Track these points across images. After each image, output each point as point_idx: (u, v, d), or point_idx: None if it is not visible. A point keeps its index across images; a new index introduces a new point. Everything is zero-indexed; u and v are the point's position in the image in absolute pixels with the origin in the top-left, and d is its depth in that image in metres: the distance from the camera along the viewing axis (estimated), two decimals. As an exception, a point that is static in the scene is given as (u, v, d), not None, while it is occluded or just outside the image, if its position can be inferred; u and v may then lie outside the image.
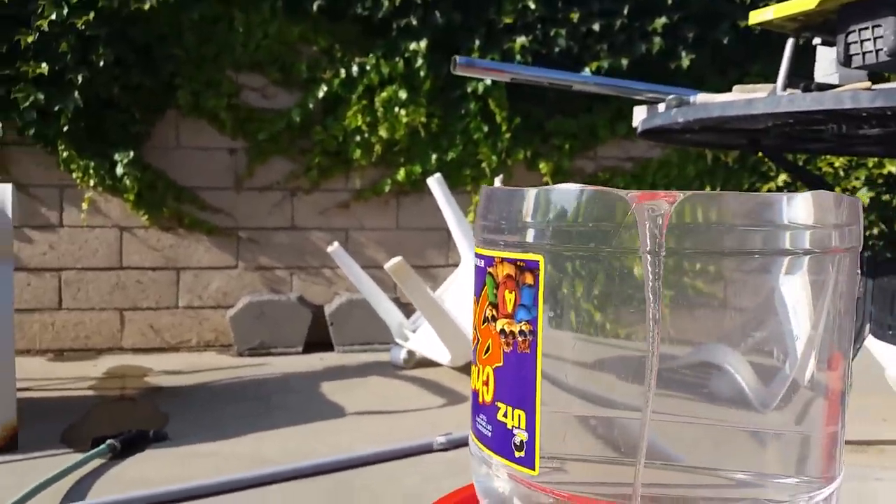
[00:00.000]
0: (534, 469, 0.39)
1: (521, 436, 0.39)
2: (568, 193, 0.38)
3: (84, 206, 2.78)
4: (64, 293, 2.84)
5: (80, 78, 2.57)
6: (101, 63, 2.56)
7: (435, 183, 2.56)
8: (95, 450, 1.65)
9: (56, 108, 2.60)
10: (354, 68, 2.84)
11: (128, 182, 2.74)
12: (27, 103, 2.57)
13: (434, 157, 2.95)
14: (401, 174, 2.92)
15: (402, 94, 2.83)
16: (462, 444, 1.73)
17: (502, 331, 0.40)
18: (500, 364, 0.40)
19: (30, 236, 2.79)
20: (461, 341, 2.21)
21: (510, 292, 0.39)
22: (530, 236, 0.39)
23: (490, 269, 0.40)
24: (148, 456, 1.71)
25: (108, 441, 1.69)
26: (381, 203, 2.98)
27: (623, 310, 0.38)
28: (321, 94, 2.83)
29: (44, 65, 2.55)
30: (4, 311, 1.72)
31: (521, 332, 0.39)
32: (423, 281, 2.32)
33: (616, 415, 0.39)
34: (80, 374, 2.50)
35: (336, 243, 2.46)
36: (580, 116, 3.04)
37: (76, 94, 2.58)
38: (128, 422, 1.94)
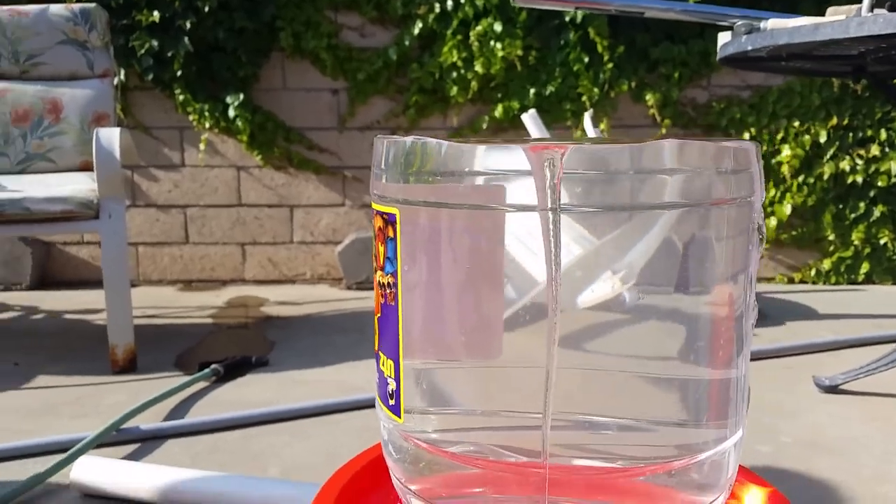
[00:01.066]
0: (400, 417, 0.41)
1: (391, 384, 0.41)
2: (424, 144, 0.38)
3: (201, 146, 2.97)
4: (189, 228, 3.06)
5: (188, 24, 2.71)
6: (207, 8, 2.69)
7: (529, 119, 2.51)
8: (200, 373, 1.80)
9: (169, 54, 2.77)
10: (449, 2, 2.81)
11: (240, 123, 2.89)
12: (143, 50, 2.75)
13: (532, 91, 2.89)
14: (498, 110, 2.89)
15: (498, 27, 2.78)
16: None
17: (378, 282, 0.41)
18: (379, 314, 0.41)
19: (156, 175, 3.02)
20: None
21: (381, 244, 0.40)
22: (389, 189, 0.39)
23: (373, 220, 0.41)
24: (248, 381, 1.84)
25: (213, 366, 1.84)
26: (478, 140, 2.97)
27: (484, 267, 0.38)
28: (416, 31, 2.83)
29: (155, 13, 2.71)
30: (120, 246, 1.88)
31: (388, 284, 0.40)
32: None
33: (484, 369, 0.39)
34: (203, 304, 2.71)
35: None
36: (690, 42, 2.87)
37: (186, 39, 2.73)
38: (237, 348, 2.09)
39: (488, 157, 0.37)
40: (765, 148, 2.91)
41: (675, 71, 2.89)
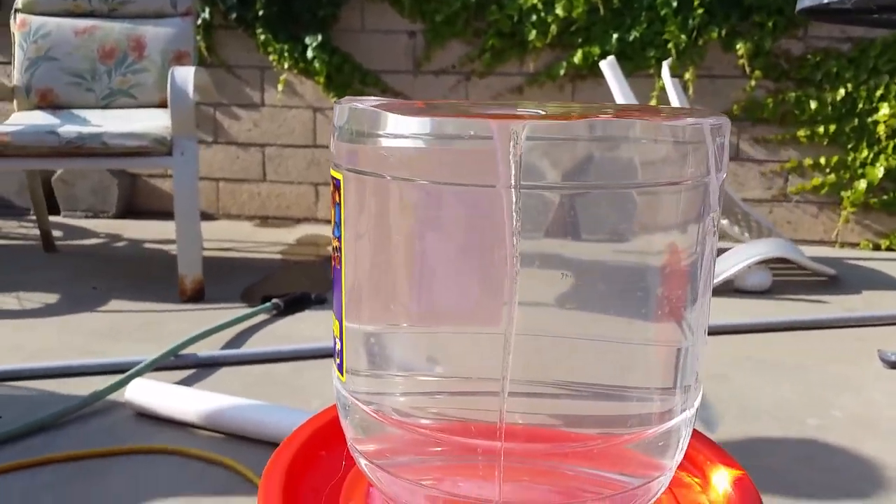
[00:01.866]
0: (343, 376, 0.42)
1: (337, 344, 0.42)
2: (366, 111, 0.37)
3: (280, 87, 3.02)
4: (267, 167, 3.15)
5: (270, -36, 2.74)
6: (288, -52, 2.70)
7: (607, 66, 2.43)
8: (261, 307, 1.88)
9: (252, -6, 2.81)
10: (532, -58, 2.72)
11: (317, 65, 2.92)
12: (227, -10, 2.80)
13: (615, 37, 2.78)
14: (577, 56, 2.80)
15: (582, -31, 2.68)
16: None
17: (332, 245, 0.41)
18: (332, 276, 0.42)
19: (237, 114, 3.10)
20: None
21: (333, 208, 0.40)
22: (336, 154, 0.40)
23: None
24: (305, 316, 1.91)
25: (274, 300, 1.91)
26: (555, 88, 2.90)
27: (423, 236, 0.38)
28: (497, -28, 2.76)
29: (240, -48, 2.74)
30: (191, 182, 1.96)
31: (336, 247, 0.40)
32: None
33: (423, 334, 0.40)
34: (276, 240, 2.80)
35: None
36: (788, -12, 2.69)
37: (268, -21, 2.76)
38: (301, 285, 2.16)
39: (435, 128, 0.36)
40: (861, 105, 2.72)
41: (770, 19, 2.72)
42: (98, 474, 1.08)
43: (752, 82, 2.77)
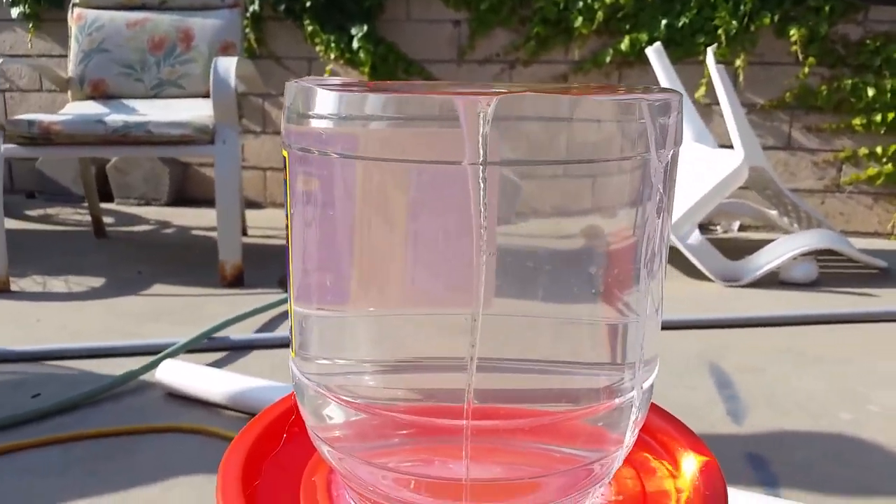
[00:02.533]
0: (293, 353, 0.42)
1: (289, 321, 0.42)
2: (310, 90, 0.38)
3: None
4: (314, 156, 3.19)
5: (316, -45, 2.77)
6: (332, -61, 2.72)
7: (654, 53, 2.38)
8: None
9: (298, -15, 2.84)
10: (577, -72, 2.68)
11: (362, 55, 2.94)
12: (276, -19, 2.85)
13: (664, 23, 2.72)
14: (624, 43, 2.75)
15: (629, -46, 2.62)
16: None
17: (284, 224, 0.42)
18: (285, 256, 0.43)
19: (285, 104, 3.15)
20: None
21: (283, 187, 0.41)
22: (284, 132, 0.40)
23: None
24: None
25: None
26: (601, 76, 2.85)
27: (368, 217, 0.38)
28: (543, -42, 2.73)
29: (286, -56, 2.78)
30: (232, 170, 2.00)
31: (286, 225, 0.41)
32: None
33: (368, 317, 0.40)
34: (320, 228, 2.84)
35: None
36: (847, -30, 2.58)
37: (313, -30, 2.80)
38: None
39: (379, 106, 0.36)
40: (923, 91, 2.60)
41: (826, 3, 2.62)
42: (127, 451, 1.12)
43: (806, 69, 2.68)
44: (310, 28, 2.98)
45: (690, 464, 0.48)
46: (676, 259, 2.21)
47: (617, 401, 0.40)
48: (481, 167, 0.35)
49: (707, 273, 2.05)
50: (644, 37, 2.74)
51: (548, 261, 0.37)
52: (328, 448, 0.43)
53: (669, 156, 0.38)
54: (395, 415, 0.40)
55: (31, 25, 3.17)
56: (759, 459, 1.12)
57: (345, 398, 0.41)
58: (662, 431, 0.50)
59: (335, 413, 0.42)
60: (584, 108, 0.35)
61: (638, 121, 0.36)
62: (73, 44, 2.40)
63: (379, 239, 0.39)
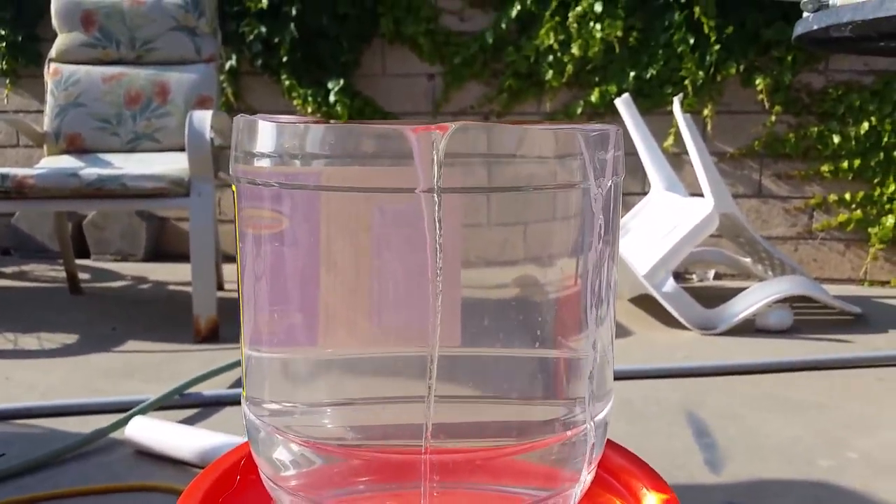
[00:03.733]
0: (244, 391, 0.42)
1: (244, 369, 0.42)
2: (253, 123, 0.38)
3: (303, 130, 3.08)
4: (292, 208, 3.19)
5: (293, 10, 2.82)
6: (311, -5, 2.79)
7: (622, 104, 2.43)
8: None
9: (276, 40, 2.89)
10: (550, -17, 2.76)
11: (339, 109, 2.98)
12: (252, 36, 2.89)
13: (632, 74, 2.79)
14: (594, 95, 2.81)
15: (598, 7, 2.69)
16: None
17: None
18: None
19: (262, 158, 3.16)
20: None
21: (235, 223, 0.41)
22: (231, 168, 0.41)
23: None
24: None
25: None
26: (574, 125, 2.90)
27: (314, 253, 0.38)
28: (514, 13, 2.79)
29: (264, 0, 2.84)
30: (207, 223, 1.99)
31: (237, 266, 0.41)
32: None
33: (310, 358, 0.40)
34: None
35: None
36: (808, 24, 2.67)
37: (292, 25, 2.84)
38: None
39: (322, 138, 0.37)
40: (886, 139, 2.67)
41: (788, 53, 2.70)
42: (92, 511, 1.09)
43: (773, 117, 2.75)
44: (287, 82, 3.02)
45: (652, 503, 0.47)
46: (652, 307, 2.22)
47: (569, 433, 0.40)
48: (435, 194, 0.35)
49: (683, 321, 2.06)
50: (613, 89, 2.80)
51: (492, 304, 0.38)
52: (285, 495, 0.42)
53: (609, 185, 0.39)
54: (351, 451, 0.40)
55: (7, 81, 3.18)
56: (737, 507, 1.11)
57: (298, 439, 0.40)
58: (626, 471, 0.50)
59: (289, 456, 0.41)
60: (528, 139, 0.36)
61: (578, 152, 0.37)
62: (49, 98, 2.41)
63: (329, 275, 0.38)
